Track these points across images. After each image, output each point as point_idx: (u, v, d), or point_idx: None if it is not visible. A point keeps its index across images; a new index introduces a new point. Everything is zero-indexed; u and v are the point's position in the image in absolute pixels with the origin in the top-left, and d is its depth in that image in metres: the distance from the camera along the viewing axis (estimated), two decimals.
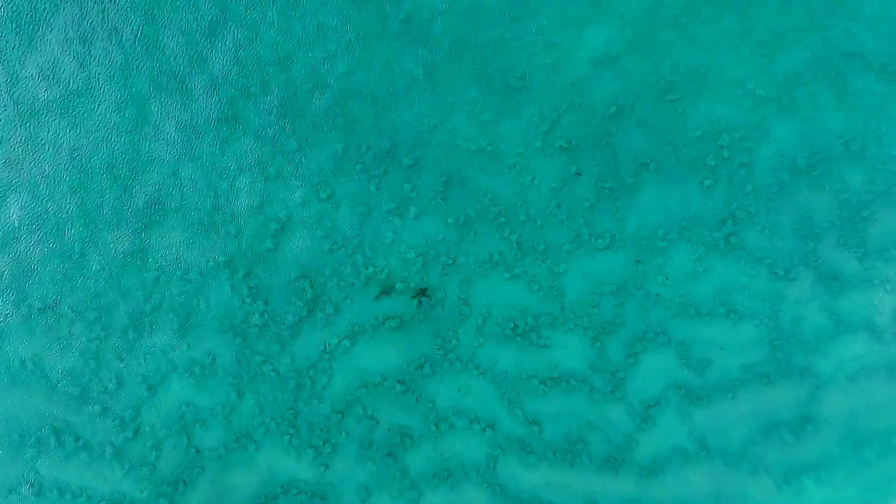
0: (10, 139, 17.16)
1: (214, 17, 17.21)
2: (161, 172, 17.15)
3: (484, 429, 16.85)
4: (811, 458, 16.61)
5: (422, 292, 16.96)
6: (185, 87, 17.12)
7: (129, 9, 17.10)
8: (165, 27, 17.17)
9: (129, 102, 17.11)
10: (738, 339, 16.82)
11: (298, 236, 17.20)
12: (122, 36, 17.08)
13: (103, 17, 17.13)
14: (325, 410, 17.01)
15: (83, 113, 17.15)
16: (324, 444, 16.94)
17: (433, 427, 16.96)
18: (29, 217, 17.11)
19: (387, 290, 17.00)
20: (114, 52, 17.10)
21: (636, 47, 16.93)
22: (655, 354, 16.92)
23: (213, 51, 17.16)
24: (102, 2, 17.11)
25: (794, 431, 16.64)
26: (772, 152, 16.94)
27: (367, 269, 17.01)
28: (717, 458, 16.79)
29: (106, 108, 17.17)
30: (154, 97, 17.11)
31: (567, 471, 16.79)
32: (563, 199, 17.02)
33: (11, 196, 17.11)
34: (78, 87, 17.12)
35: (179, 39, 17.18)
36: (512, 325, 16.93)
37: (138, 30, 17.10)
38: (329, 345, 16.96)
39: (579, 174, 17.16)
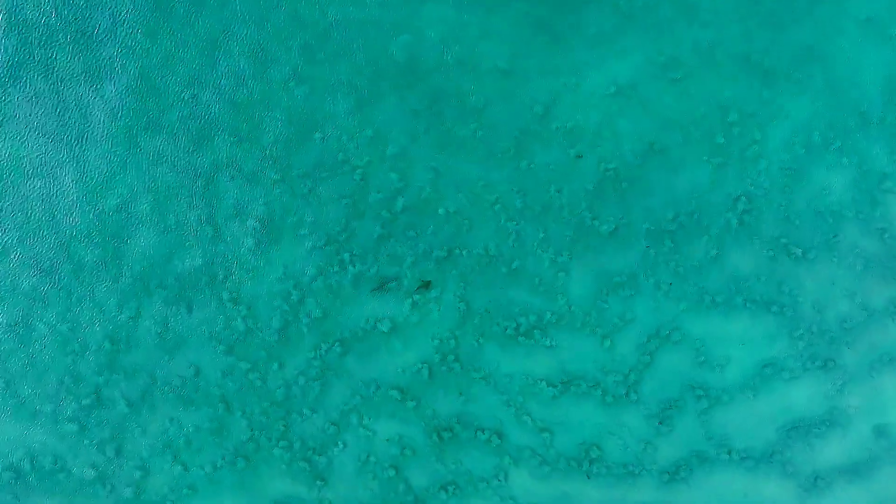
0: None
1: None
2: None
3: (489, 438, 15.83)
4: (839, 458, 15.47)
5: (425, 285, 16.04)
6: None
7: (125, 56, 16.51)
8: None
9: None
10: (757, 332, 15.72)
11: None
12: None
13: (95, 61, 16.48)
14: (318, 422, 16.02)
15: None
16: (319, 457, 15.96)
17: (435, 437, 15.92)
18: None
19: (384, 284, 16.11)
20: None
21: (637, 25, 16.05)
22: (670, 353, 15.82)
23: None
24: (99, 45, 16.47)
25: (821, 430, 15.49)
26: (785, 128, 15.96)
27: (353, 266, 16.14)
28: (741, 462, 15.64)
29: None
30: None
31: (583, 481, 15.70)
32: (563, 185, 16.06)
33: None
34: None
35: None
36: (514, 324, 15.96)
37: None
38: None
39: (580, 157, 16.24)
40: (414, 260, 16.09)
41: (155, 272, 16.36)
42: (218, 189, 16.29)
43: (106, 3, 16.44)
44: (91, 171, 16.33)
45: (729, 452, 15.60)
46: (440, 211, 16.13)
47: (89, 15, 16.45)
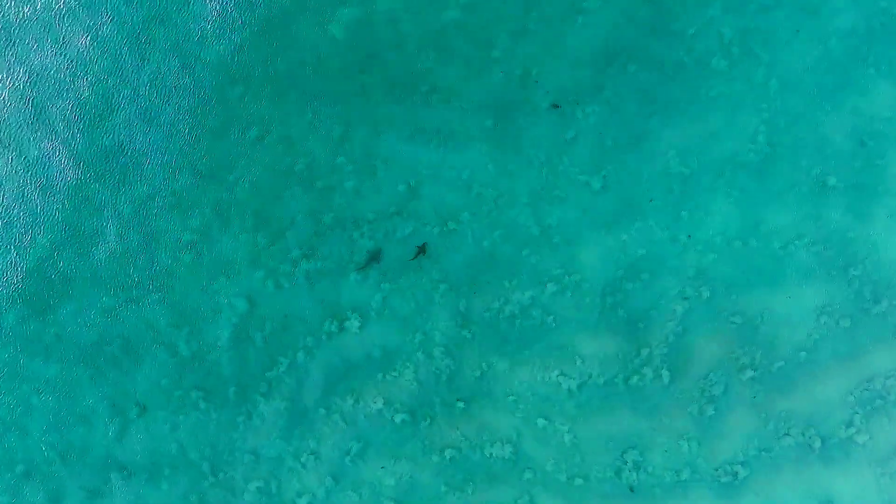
0: None
1: None
2: None
3: (506, 460, 13.62)
4: None
5: (421, 249, 14.11)
6: None
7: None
8: None
9: None
10: (805, 300, 13.43)
11: None
12: None
13: None
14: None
15: None
16: None
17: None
18: None
19: (375, 256, 14.18)
20: None
21: None
22: (706, 338, 13.54)
23: None
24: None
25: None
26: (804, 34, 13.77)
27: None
28: (806, 452, 13.30)
29: None
30: None
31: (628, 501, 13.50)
32: (556, 164, 13.90)
33: None
34: None
35: None
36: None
37: None
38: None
39: (557, 106, 14.02)
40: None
41: None
42: None
43: None
44: None
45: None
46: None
47: None
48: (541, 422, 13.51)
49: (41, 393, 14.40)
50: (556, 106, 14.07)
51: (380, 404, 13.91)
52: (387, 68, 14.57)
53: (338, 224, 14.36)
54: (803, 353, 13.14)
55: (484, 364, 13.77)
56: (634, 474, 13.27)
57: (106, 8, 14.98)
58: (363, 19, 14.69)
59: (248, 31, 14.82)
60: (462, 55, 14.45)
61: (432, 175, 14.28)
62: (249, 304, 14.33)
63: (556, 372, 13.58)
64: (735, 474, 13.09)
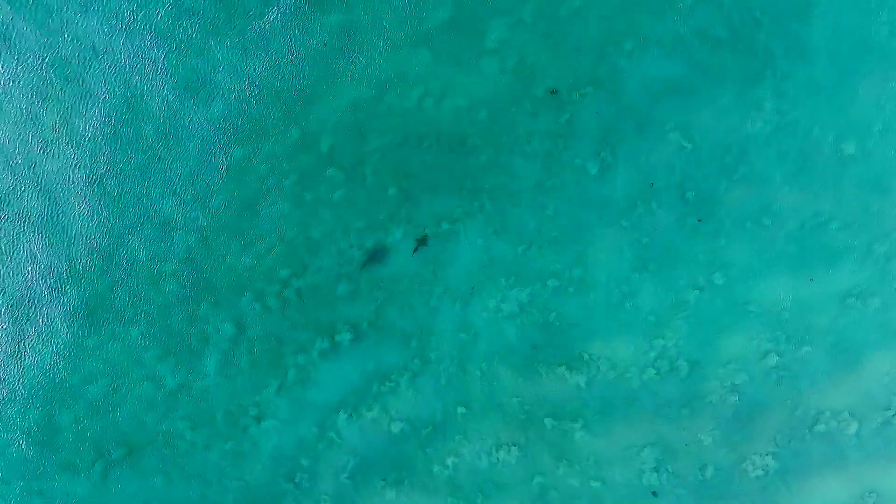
0: None
1: None
2: None
3: (514, 465, 12.64)
4: None
5: (421, 241, 13.09)
6: None
7: None
8: None
9: None
10: (828, 281, 12.52)
11: None
12: None
13: None
14: None
15: None
16: None
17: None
18: None
19: (376, 255, 13.11)
20: None
21: None
22: (723, 327, 12.63)
23: None
24: None
25: None
26: None
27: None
28: (840, 439, 12.44)
29: None
30: None
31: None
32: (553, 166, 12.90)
33: None
34: None
35: None
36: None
37: None
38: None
39: (555, 92, 12.94)
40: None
41: None
42: None
43: None
44: None
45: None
46: None
47: None
48: (549, 422, 12.54)
49: (20, 444, 13.14)
50: (553, 92, 13.03)
51: (375, 413, 12.86)
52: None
53: (327, 236, 13.26)
54: (831, 337, 12.28)
55: (484, 365, 12.77)
56: (655, 475, 12.38)
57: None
58: None
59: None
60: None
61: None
62: (238, 328, 13.19)
63: (563, 368, 12.61)
64: (765, 468, 12.23)
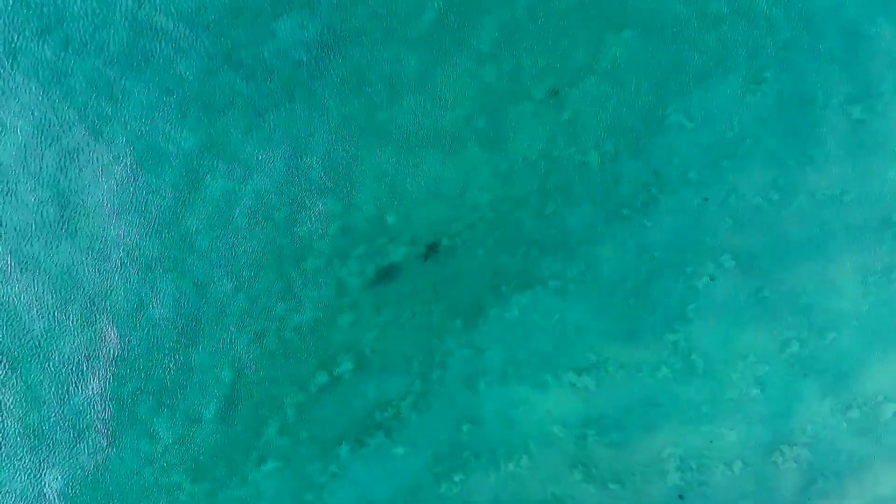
0: None
1: None
2: None
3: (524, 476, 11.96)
4: None
5: (431, 248, 12.26)
6: None
7: None
8: None
9: None
10: (846, 260, 11.67)
11: None
12: None
13: None
14: None
15: None
16: None
17: None
18: None
19: (387, 273, 12.33)
20: None
21: None
22: (736, 314, 11.81)
23: None
24: None
25: None
26: None
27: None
28: (875, 426, 11.66)
29: None
30: None
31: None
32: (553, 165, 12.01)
33: None
34: None
35: None
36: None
37: None
38: None
39: (556, 92, 11.99)
40: None
41: None
42: None
43: None
44: None
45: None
46: None
47: None
48: (558, 430, 11.88)
49: None
50: (555, 92, 12.08)
51: (378, 441, 12.21)
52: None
53: (324, 266, 12.48)
54: (855, 321, 11.49)
55: (489, 379, 12.08)
56: (679, 475, 11.72)
57: None
58: None
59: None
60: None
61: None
62: (235, 373, 12.48)
63: (569, 370, 11.91)
64: (797, 459, 11.55)
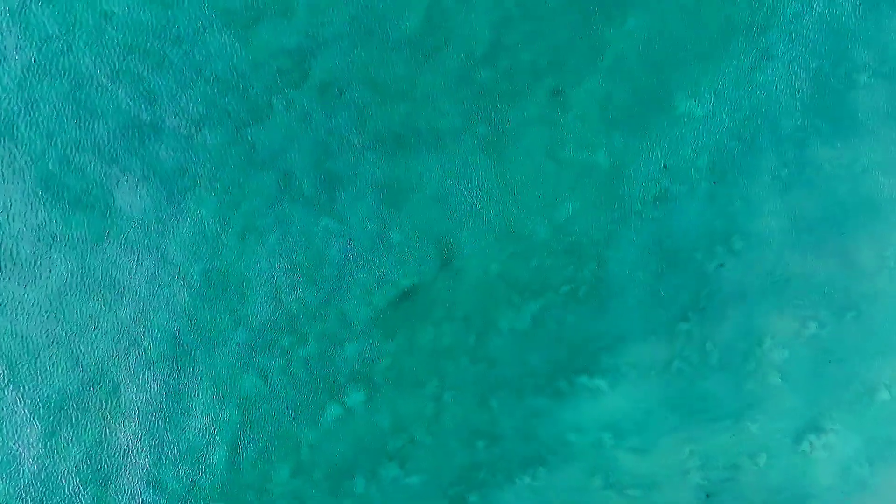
0: None
1: None
2: None
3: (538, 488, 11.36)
4: None
5: (444, 262, 11.57)
6: None
7: None
8: None
9: None
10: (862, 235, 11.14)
11: None
12: None
13: None
14: None
15: None
16: None
17: None
18: None
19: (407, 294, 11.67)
20: None
21: None
22: (750, 297, 11.25)
23: None
24: None
25: None
26: None
27: None
28: None
29: None
30: None
31: None
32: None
33: None
34: None
35: None
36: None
37: None
38: None
39: (560, 91, 11.38)
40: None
41: None
42: None
43: None
44: None
45: None
46: None
47: None
48: (574, 436, 11.32)
49: None
50: (558, 91, 11.51)
51: (393, 471, 11.63)
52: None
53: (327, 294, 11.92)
54: (875, 298, 10.97)
55: (502, 392, 11.53)
56: (701, 473, 11.18)
57: None
58: None
59: None
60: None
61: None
62: (242, 413, 11.87)
63: (582, 374, 11.36)
64: (828, 447, 11.02)
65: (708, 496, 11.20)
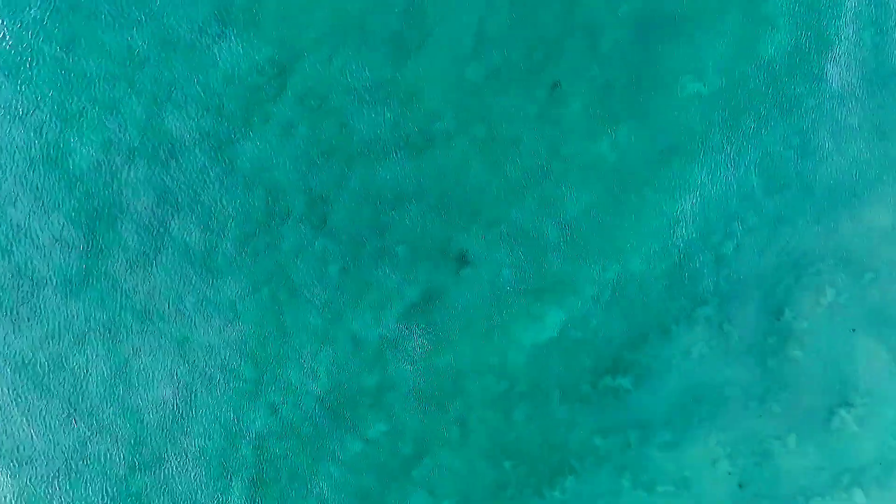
0: None
1: None
2: None
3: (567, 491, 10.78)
4: None
5: (462, 258, 11.23)
6: None
7: None
8: None
9: None
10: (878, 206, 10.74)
11: None
12: None
13: None
14: None
15: None
16: None
17: None
18: None
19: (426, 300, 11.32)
20: None
21: None
22: (765, 273, 10.80)
23: None
24: None
25: None
26: None
27: None
28: None
29: None
30: None
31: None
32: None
33: None
34: None
35: None
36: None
37: None
38: None
39: (557, 84, 11.09)
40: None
41: None
42: None
43: None
44: None
45: None
46: None
47: None
48: (599, 440, 10.74)
49: None
50: (557, 85, 11.24)
51: (424, 499, 10.98)
52: None
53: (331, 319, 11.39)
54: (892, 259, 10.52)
55: (524, 405, 11.00)
56: (728, 462, 10.55)
57: None
58: None
59: None
60: None
61: None
62: (256, 451, 11.32)
63: (605, 375, 10.85)
64: (859, 420, 10.42)
65: (741, 486, 10.58)
